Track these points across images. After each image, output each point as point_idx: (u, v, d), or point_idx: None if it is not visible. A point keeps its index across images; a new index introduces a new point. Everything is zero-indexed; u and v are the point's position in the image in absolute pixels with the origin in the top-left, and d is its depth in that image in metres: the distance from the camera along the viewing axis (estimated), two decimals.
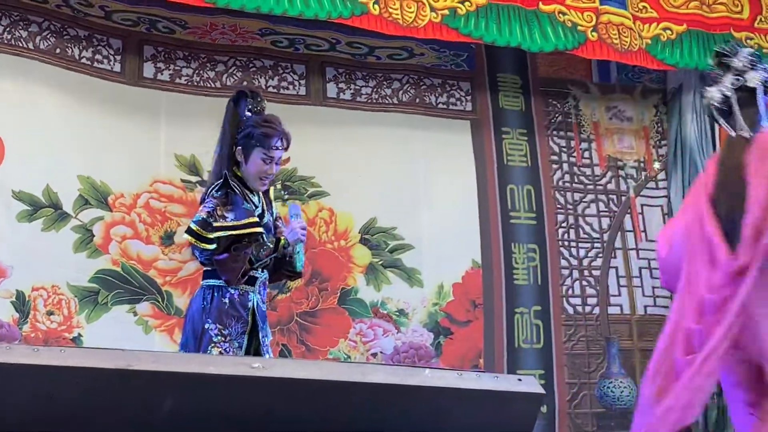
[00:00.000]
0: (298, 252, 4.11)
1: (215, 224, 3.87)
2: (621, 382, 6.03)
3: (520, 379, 2.91)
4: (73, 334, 5.17)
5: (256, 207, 4.05)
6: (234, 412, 2.68)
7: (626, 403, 6.00)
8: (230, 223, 3.87)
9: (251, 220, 3.90)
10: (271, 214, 4.17)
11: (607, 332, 6.11)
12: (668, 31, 5.94)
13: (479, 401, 2.84)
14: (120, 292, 5.30)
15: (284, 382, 2.75)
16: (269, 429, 2.66)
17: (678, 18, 6.00)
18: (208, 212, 3.90)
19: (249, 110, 4.07)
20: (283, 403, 2.73)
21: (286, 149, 4.08)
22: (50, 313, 5.12)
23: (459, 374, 2.88)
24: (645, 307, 6.27)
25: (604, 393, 5.99)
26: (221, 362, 2.86)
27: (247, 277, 3.97)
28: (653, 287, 6.30)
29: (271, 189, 4.24)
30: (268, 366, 2.80)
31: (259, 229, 3.91)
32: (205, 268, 4.04)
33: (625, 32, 5.81)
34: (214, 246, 3.89)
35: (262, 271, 4.05)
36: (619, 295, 6.25)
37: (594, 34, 5.72)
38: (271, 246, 4.01)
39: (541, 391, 2.92)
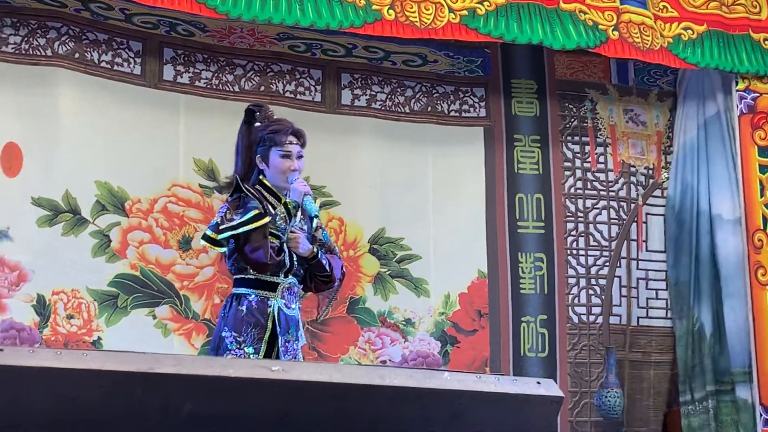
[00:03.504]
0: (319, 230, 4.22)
1: (221, 227, 4.01)
2: (615, 392, 6.04)
3: (539, 382, 2.91)
4: (93, 338, 5.19)
5: (274, 215, 4.09)
6: (253, 414, 2.70)
7: (617, 413, 6.03)
8: (235, 223, 3.98)
9: (254, 213, 3.98)
10: (308, 226, 4.23)
11: (608, 342, 6.10)
12: (689, 31, 5.90)
13: (498, 404, 2.84)
14: (139, 295, 5.33)
15: (303, 385, 2.77)
16: (288, 431, 2.68)
17: (698, 18, 5.96)
18: (221, 217, 4.05)
19: (259, 121, 4.22)
20: (302, 406, 2.74)
21: (302, 145, 4.18)
22: (70, 317, 5.15)
23: (478, 377, 2.89)
24: (638, 318, 6.26)
25: (601, 402, 6.02)
26: (241, 365, 2.88)
27: (281, 266, 4.03)
28: (647, 299, 6.28)
29: (317, 201, 4.29)
30: (287, 369, 2.82)
31: (263, 221, 3.98)
32: (233, 277, 4.14)
33: (646, 31, 5.77)
34: (225, 249, 4.06)
35: (286, 277, 4.08)
36: (620, 305, 6.24)
37: (615, 33, 5.69)
38: (277, 245, 4.03)
39: (560, 394, 2.93)
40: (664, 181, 6.39)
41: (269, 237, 4.00)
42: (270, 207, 4.09)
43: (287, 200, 4.11)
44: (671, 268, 6.21)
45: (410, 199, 5.99)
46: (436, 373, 2.92)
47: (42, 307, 5.09)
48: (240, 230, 3.97)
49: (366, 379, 2.80)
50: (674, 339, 6.20)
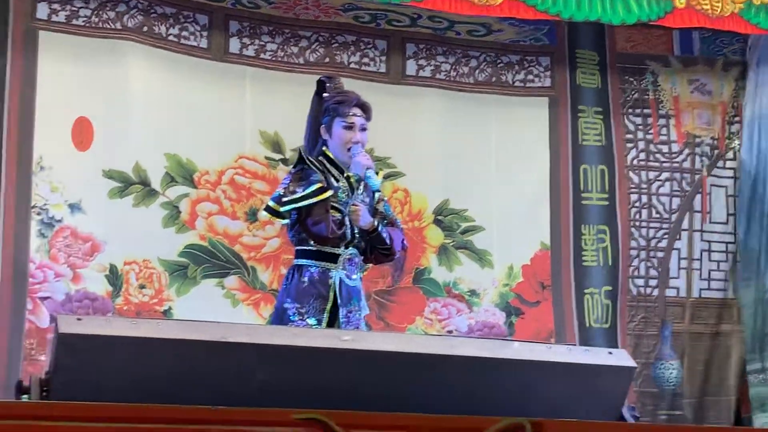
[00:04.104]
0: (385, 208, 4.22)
1: (284, 199, 4.01)
2: (671, 363, 6.04)
3: (610, 353, 2.90)
4: (164, 307, 5.28)
5: (337, 189, 4.09)
6: (324, 383, 2.71)
7: (674, 384, 6.02)
8: (297, 196, 3.99)
9: (317, 187, 3.99)
10: (370, 198, 4.22)
11: (663, 314, 6.06)
12: None
13: (569, 374, 2.83)
14: (208, 266, 5.40)
15: (373, 354, 2.78)
16: (359, 400, 2.69)
17: None
18: (284, 188, 4.06)
19: (328, 92, 4.21)
20: (372, 376, 2.75)
21: (367, 118, 4.15)
22: (142, 287, 5.24)
23: (548, 347, 2.89)
24: (700, 290, 6.22)
25: (656, 374, 6.04)
26: (312, 335, 2.91)
27: (342, 238, 4.04)
28: (710, 270, 6.24)
29: (380, 175, 4.29)
30: (358, 339, 2.84)
31: (326, 195, 3.98)
32: (294, 248, 4.15)
33: None
34: (287, 221, 4.08)
35: (347, 248, 4.10)
36: (678, 277, 6.19)
37: (682, 1, 5.59)
38: (338, 218, 4.04)
39: (633, 364, 2.91)
40: (728, 151, 6.30)
41: (331, 210, 4.01)
42: (333, 180, 4.09)
43: (349, 174, 4.11)
44: (742, 234, 6.13)
45: (474, 170, 5.99)
46: (507, 343, 2.93)
47: (114, 277, 5.18)
48: (302, 203, 3.99)
49: (436, 348, 2.81)
50: (737, 310, 6.15)
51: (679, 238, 6.20)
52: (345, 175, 4.10)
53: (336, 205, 4.04)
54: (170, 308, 5.29)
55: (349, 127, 4.10)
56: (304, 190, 3.99)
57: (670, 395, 6.04)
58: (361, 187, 4.16)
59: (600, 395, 2.87)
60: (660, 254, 6.16)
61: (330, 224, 3.97)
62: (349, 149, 4.10)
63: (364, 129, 4.14)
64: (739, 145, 6.30)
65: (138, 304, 5.21)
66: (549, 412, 2.75)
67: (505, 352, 2.81)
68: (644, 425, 3.49)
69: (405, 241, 4.37)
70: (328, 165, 4.13)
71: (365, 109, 4.16)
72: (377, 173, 4.22)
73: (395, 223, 4.33)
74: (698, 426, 5.68)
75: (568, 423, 2.61)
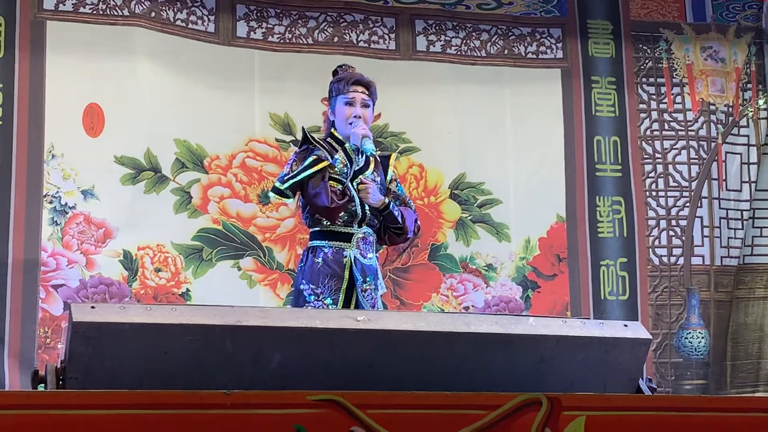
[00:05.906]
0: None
1: (285, 178, 4.08)
2: (699, 332, 6.04)
3: (626, 325, 2.89)
4: (181, 290, 5.30)
5: (335, 160, 4.10)
6: (339, 364, 2.72)
7: (702, 353, 6.02)
8: (295, 172, 4.06)
9: (312, 159, 4.04)
10: (382, 177, 4.24)
11: (689, 283, 6.05)
12: None
13: (585, 348, 2.83)
14: (223, 248, 5.42)
15: (389, 334, 2.78)
16: (375, 380, 2.70)
17: None
18: (289, 168, 4.12)
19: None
20: (388, 355, 2.75)
21: (369, 95, 4.20)
22: (158, 270, 5.26)
23: (563, 321, 2.87)
24: (721, 258, 6.21)
25: (681, 343, 6.01)
26: (327, 316, 2.91)
27: (353, 215, 4.07)
28: (728, 238, 6.23)
29: (393, 156, 4.30)
30: (372, 319, 2.83)
31: (320, 165, 4.02)
32: (309, 230, 4.18)
33: None
34: (291, 199, 4.16)
35: (359, 227, 4.10)
36: (702, 245, 6.18)
37: None
38: (339, 189, 4.06)
39: (648, 336, 2.90)
40: (742, 118, 6.27)
41: (331, 182, 4.03)
42: (338, 153, 4.11)
43: (347, 145, 4.13)
44: None
45: (489, 143, 5.98)
46: (522, 319, 2.91)
47: (129, 262, 5.20)
48: (299, 177, 4.04)
49: (451, 326, 2.80)
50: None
51: (700, 206, 6.19)
52: (343, 146, 4.11)
53: (334, 176, 4.06)
54: (188, 290, 5.31)
55: (350, 103, 4.16)
56: (301, 166, 4.05)
57: (698, 364, 6.04)
58: (372, 165, 4.17)
59: (616, 368, 2.87)
60: (682, 222, 6.15)
61: (329, 194, 3.99)
62: (350, 124, 4.14)
63: (366, 105, 4.19)
64: (752, 111, 6.27)
65: (155, 287, 5.24)
66: (566, 386, 2.75)
67: (519, 328, 2.80)
68: (662, 397, 3.48)
69: (418, 222, 4.38)
70: (334, 143, 4.16)
71: (366, 85, 4.20)
72: (391, 156, 4.25)
73: (408, 204, 4.35)
74: (716, 396, 5.68)
75: (585, 396, 2.61)
